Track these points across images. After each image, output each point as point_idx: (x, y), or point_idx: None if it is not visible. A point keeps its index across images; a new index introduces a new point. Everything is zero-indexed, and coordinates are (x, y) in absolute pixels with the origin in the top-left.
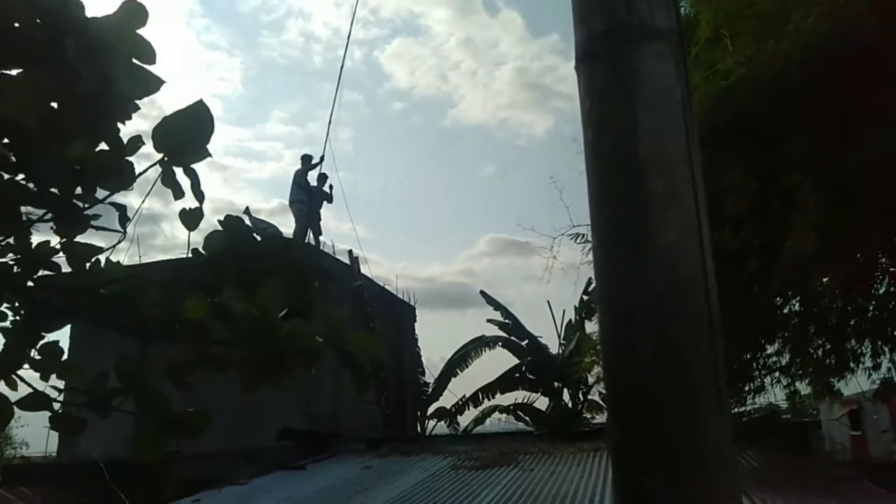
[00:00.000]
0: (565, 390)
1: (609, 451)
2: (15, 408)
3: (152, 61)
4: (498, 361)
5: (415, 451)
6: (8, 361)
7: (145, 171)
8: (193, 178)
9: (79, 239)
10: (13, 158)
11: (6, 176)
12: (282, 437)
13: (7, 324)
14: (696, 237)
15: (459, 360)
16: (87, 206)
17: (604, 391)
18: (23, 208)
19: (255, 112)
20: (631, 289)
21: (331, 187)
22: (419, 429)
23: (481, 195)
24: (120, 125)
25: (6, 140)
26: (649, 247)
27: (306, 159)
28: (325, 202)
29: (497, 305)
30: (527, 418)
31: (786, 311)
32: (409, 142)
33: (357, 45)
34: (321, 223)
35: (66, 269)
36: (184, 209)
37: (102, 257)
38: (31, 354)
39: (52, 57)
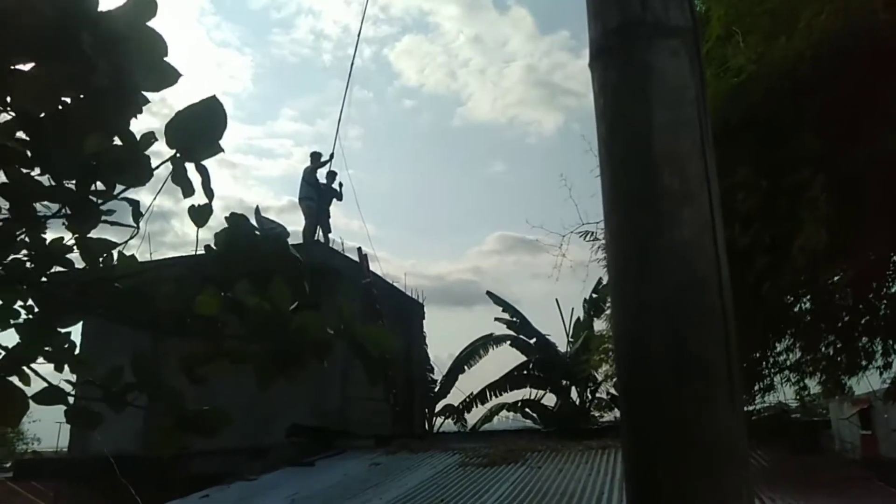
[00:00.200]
0: (573, 388)
1: (621, 446)
2: (29, 405)
3: (164, 54)
4: (506, 359)
5: (423, 448)
6: (22, 356)
7: (157, 167)
8: (204, 175)
9: (92, 234)
10: (28, 153)
11: (21, 171)
12: (291, 434)
13: (20, 320)
14: (710, 234)
15: (467, 358)
16: (101, 202)
17: (612, 389)
18: (37, 205)
19: (265, 109)
20: (644, 285)
21: (340, 185)
22: (427, 426)
23: (490, 193)
24: (132, 120)
25: (21, 134)
26: (663, 244)
27: (315, 156)
28: (334, 199)
29: (505, 305)
30: (535, 416)
31: (796, 309)
32: (418, 139)
33: (367, 42)
34: (330, 220)
35: (79, 265)
36: (193, 206)
37: (115, 253)
38: (45, 349)
39: (67, 50)
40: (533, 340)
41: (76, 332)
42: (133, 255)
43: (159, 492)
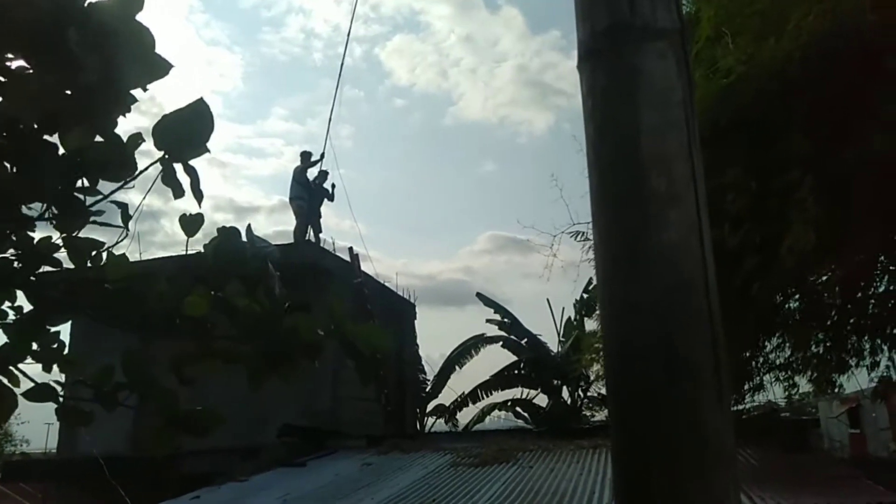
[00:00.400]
0: (565, 387)
1: (610, 446)
2: (18, 403)
3: (153, 47)
4: (497, 359)
5: (414, 448)
6: (10, 355)
7: (146, 168)
8: (193, 176)
9: (81, 234)
10: (12, 151)
11: (6, 170)
12: (282, 434)
13: (8, 320)
14: (697, 235)
15: (459, 358)
16: (88, 202)
17: (603, 388)
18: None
19: (255, 108)
20: (632, 286)
21: (333, 186)
22: (419, 426)
23: (481, 192)
24: (120, 119)
25: (3, 133)
26: (650, 244)
27: (306, 156)
28: (325, 199)
29: (495, 306)
30: (526, 415)
31: (785, 308)
32: (410, 139)
33: (357, 41)
34: (321, 220)
35: (67, 265)
36: (184, 215)
37: (104, 255)
38: (33, 349)
39: (55, 46)
40: (524, 340)
41: (65, 331)
42: (123, 255)
43: (149, 492)
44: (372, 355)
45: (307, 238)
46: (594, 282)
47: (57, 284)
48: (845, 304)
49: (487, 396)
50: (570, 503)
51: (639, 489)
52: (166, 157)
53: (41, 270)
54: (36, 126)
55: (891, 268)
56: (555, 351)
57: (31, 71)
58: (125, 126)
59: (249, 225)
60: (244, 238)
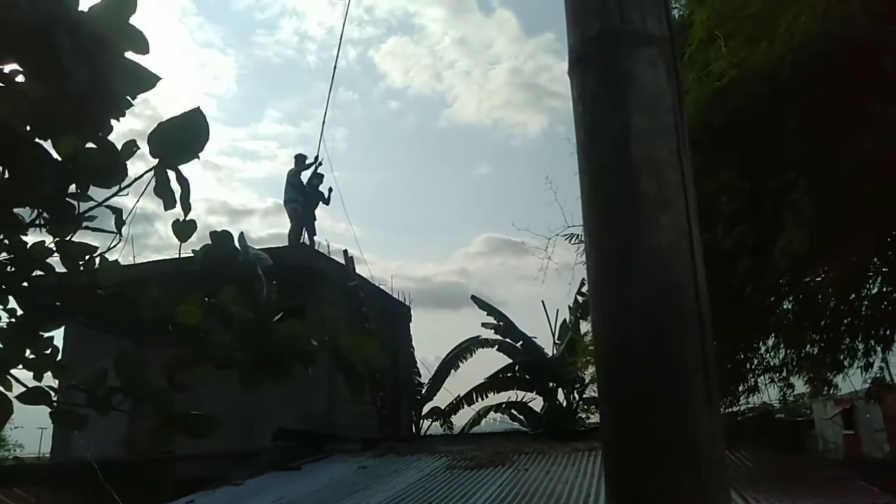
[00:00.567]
0: (560, 390)
1: (601, 448)
2: (13, 407)
3: (146, 51)
4: (492, 361)
5: (410, 451)
6: (2, 361)
7: (141, 176)
8: (185, 187)
9: (74, 238)
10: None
11: None
12: (277, 438)
13: (2, 324)
14: (687, 239)
15: (454, 360)
16: (80, 208)
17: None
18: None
19: (249, 111)
20: (622, 289)
21: (330, 190)
22: (414, 429)
23: (476, 195)
24: (114, 122)
25: None
26: (640, 248)
27: (300, 159)
28: (321, 202)
29: (490, 309)
30: (521, 418)
31: (779, 310)
32: (404, 141)
33: (351, 44)
34: (316, 223)
35: (60, 269)
36: (176, 220)
37: (97, 259)
38: (26, 355)
39: (45, 53)
40: (519, 343)
41: (58, 336)
42: (116, 261)
43: (143, 497)
44: (364, 368)
45: (302, 241)
46: (584, 285)
47: (49, 290)
48: (839, 306)
49: (483, 399)
50: None
51: (629, 491)
52: (160, 163)
53: (34, 275)
54: (29, 129)
55: (884, 269)
56: (550, 353)
57: (21, 76)
58: (118, 129)
59: (242, 233)
60: (237, 244)
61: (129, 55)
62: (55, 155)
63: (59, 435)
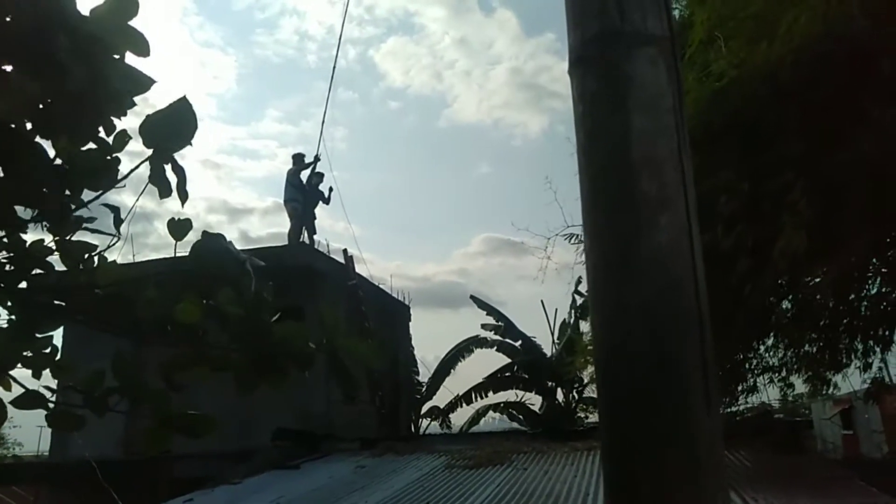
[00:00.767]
0: (559, 389)
1: (600, 447)
2: (10, 408)
3: (146, 53)
4: (491, 361)
5: (409, 451)
6: (1, 361)
7: (136, 167)
8: (180, 176)
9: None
10: None
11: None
12: (276, 437)
13: (2, 323)
14: (687, 239)
15: (453, 360)
16: (76, 207)
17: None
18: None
19: (249, 110)
20: (622, 289)
21: (330, 189)
22: (413, 428)
23: (476, 195)
24: (115, 121)
25: None
26: (640, 248)
27: (298, 158)
28: (320, 201)
29: (489, 309)
30: (520, 417)
31: (778, 310)
32: (404, 141)
33: (352, 43)
34: (315, 222)
35: (59, 268)
36: (172, 219)
37: (96, 259)
38: (25, 354)
39: (44, 54)
40: (518, 343)
41: (57, 336)
42: (114, 261)
43: (142, 496)
44: (362, 369)
45: (301, 240)
46: (583, 282)
47: (48, 289)
48: (838, 306)
49: (482, 398)
50: None
51: (627, 491)
52: (154, 153)
53: (33, 274)
54: (28, 128)
55: (883, 270)
56: (549, 353)
57: (19, 75)
58: (119, 127)
59: (231, 241)
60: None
61: (129, 57)
62: (54, 154)
63: (57, 434)
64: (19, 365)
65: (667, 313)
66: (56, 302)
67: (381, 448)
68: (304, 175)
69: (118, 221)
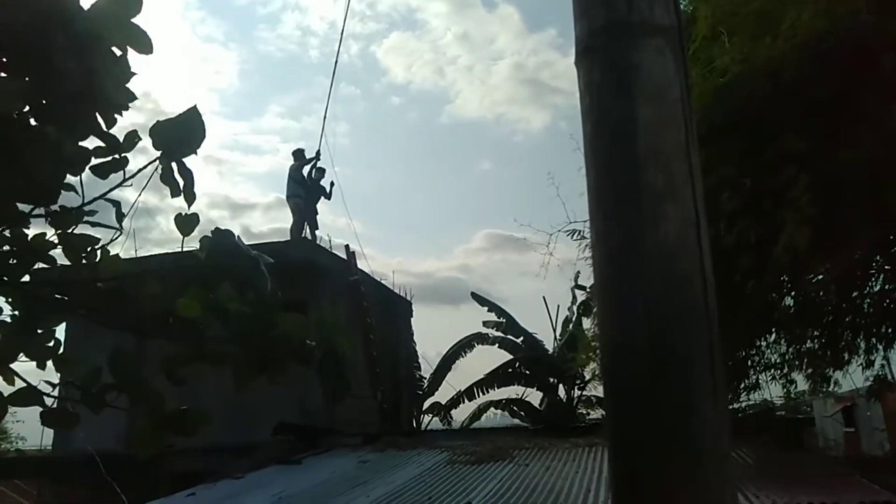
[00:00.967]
0: (561, 385)
1: (606, 444)
2: (7, 409)
3: (149, 51)
4: (493, 357)
5: (410, 446)
6: (3, 355)
7: (144, 167)
8: (188, 178)
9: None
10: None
11: None
12: (278, 432)
13: (6, 317)
14: (694, 231)
15: (455, 356)
16: (82, 204)
17: (599, 388)
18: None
19: (251, 106)
20: (629, 281)
21: (332, 184)
22: (415, 423)
23: (478, 190)
24: (117, 116)
25: None
26: (647, 240)
27: (299, 153)
28: (321, 197)
29: (490, 305)
30: (522, 413)
31: (780, 306)
32: (406, 136)
33: (354, 39)
34: (318, 217)
35: (62, 262)
36: (179, 214)
37: (98, 252)
38: (27, 349)
39: (41, 51)
40: (520, 339)
41: (60, 329)
42: (116, 255)
43: (144, 490)
44: (368, 364)
45: (303, 235)
46: (581, 277)
47: (50, 284)
48: (840, 303)
49: (484, 394)
50: (565, 501)
51: (633, 486)
52: (163, 155)
53: (35, 268)
54: (28, 123)
55: (886, 267)
56: (551, 349)
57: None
58: (121, 122)
59: (238, 236)
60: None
61: (132, 54)
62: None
63: (57, 429)
64: (24, 358)
65: (674, 305)
66: (58, 296)
67: (383, 443)
68: (306, 170)
69: (120, 216)
